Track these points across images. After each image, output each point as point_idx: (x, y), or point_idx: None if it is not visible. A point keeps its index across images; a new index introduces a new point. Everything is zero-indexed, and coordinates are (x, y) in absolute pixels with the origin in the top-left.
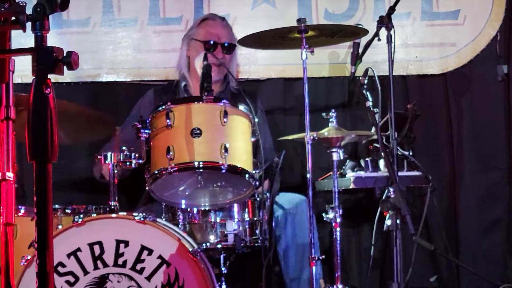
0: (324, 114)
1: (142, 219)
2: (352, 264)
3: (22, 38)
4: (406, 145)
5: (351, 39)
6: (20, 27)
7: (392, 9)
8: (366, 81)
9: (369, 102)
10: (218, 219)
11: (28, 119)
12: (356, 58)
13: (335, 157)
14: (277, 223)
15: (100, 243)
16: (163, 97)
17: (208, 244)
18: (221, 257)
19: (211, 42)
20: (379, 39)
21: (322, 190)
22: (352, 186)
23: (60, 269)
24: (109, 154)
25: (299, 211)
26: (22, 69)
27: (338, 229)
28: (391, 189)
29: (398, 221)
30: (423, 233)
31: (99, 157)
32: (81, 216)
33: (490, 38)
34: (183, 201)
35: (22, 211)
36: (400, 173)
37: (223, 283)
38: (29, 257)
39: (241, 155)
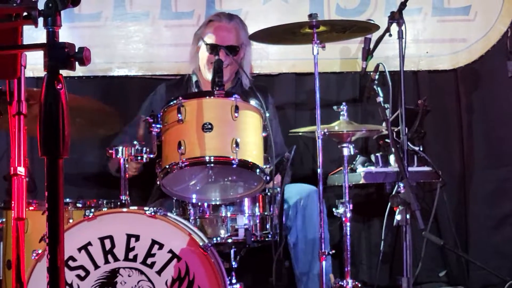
0: (335, 107)
1: (153, 213)
2: (362, 259)
3: (34, 32)
4: (417, 141)
5: (362, 35)
6: (32, 23)
7: (403, 5)
8: (377, 77)
9: (380, 97)
10: (228, 214)
11: (39, 115)
12: (367, 53)
13: (345, 152)
14: (287, 214)
15: (111, 237)
16: (175, 93)
17: (218, 238)
18: (232, 251)
19: (213, 45)
20: (390, 35)
21: (332, 184)
22: (362, 181)
23: (71, 263)
24: (120, 148)
25: (309, 202)
26: (34, 63)
27: (348, 223)
28: (401, 184)
29: (408, 216)
30: (433, 228)
31: (110, 151)
32: (92, 210)
33: (500, 34)
34: (194, 196)
35: (33, 205)
36: (410, 168)
37: (233, 278)
38: (40, 251)
39: (252, 150)
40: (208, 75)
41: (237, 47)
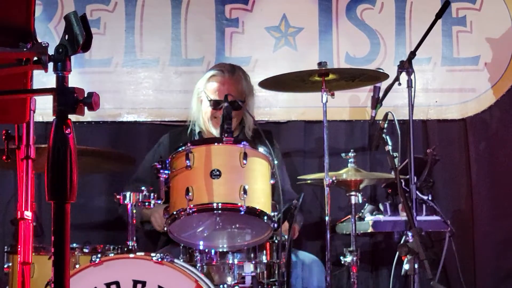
0: (343, 154)
1: (159, 259)
2: None
3: (44, 77)
4: (425, 190)
5: (371, 83)
6: (42, 68)
7: (413, 54)
8: (386, 125)
9: (389, 146)
10: (235, 261)
11: (47, 159)
12: (377, 102)
13: (353, 200)
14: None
15: (117, 283)
16: (179, 142)
17: (225, 285)
18: None
19: (216, 101)
20: (399, 84)
21: (340, 233)
22: (370, 229)
23: None
24: (128, 194)
25: (310, 273)
26: (43, 107)
27: (355, 272)
28: (410, 234)
29: (416, 266)
30: (441, 277)
31: (118, 196)
32: (99, 255)
33: (510, 84)
34: (201, 242)
35: (40, 249)
36: (418, 218)
37: None
38: None
39: (260, 197)
40: (211, 128)
41: (241, 101)
